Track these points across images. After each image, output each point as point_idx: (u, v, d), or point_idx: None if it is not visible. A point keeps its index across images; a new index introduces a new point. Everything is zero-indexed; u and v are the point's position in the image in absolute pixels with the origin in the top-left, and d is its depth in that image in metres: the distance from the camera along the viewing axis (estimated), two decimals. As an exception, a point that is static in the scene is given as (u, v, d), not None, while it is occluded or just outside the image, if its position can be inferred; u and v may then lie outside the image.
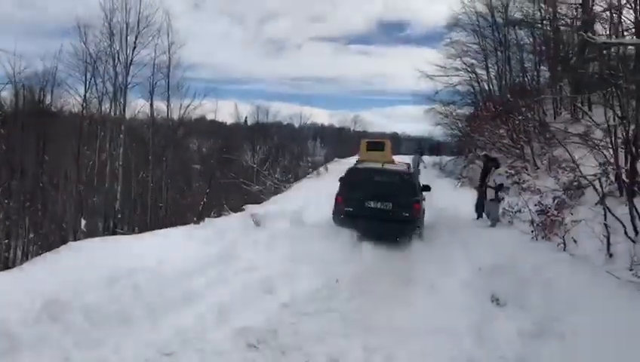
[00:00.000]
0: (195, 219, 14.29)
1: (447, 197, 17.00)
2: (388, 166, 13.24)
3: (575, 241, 9.61)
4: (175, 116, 31.92)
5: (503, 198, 12.71)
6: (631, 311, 5.87)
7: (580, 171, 12.30)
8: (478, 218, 13.51)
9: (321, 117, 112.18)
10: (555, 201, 13.58)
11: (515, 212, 12.69)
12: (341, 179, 12.33)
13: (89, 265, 6.78)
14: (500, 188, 12.50)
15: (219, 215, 15.93)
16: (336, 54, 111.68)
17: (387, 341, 5.60)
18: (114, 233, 20.30)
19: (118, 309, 5.75)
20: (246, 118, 57.62)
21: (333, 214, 11.62)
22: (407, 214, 10.98)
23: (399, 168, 13.17)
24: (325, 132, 76.43)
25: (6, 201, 22.92)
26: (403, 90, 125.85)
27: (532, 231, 10.46)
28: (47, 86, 29.35)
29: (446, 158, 31.92)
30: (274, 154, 41.36)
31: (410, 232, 11.06)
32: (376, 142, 25.61)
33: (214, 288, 7.16)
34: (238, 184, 30.94)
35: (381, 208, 11.08)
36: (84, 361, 4.76)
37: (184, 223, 13.06)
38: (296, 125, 62.24)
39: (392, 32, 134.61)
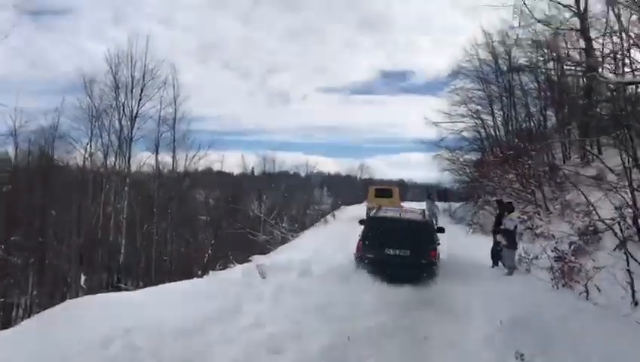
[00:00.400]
0: (199, 272, 13.79)
1: (461, 245, 16.39)
2: (405, 214, 13.48)
3: (599, 289, 9.03)
4: (181, 168, 31.94)
5: (517, 244, 12.15)
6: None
7: (598, 214, 11.82)
8: (493, 266, 12.93)
9: (328, 165, 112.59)
10: (572, 247, 13.06)
11: (532, 259, 12.14)
12: (362, 223, 12.90)
13: (83, 326, 6.31)
14: (509, 233, 11.97)
15: (224, 267, 15.44)
16: (341, 104, 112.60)
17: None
18: (117, 288, 19.65)
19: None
20: (252, 168, 57.57)
21: (355, 259, 11.99)
22: (425, 261, 11.39)
23: (416, 217, 13.30)
24: (332, 180, 76.19)
25: (9, 256, 22.47)
26: (408, 138, 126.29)
27: (552, 279, 9.90)
28: (52, 140, 29.31)
29: (455, 205, 31.35)
30: (280, 204, 40.86)
31: (428, 277, 11.25)
32: (384, 189, 26.45)
33: (216, 348, 6.64)
34: (245, 234, 30.43)
35: (400, 255, 11.46)
36: None
37: (189, 276, 12.60)
38: (303, 174, 62.17)
39: (396, 82, 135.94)
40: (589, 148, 20.73)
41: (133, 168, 29.08)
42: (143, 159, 30.93)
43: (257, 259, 13.06)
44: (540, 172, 19.15)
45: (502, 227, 12.24)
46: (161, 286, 9.74)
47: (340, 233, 20.33)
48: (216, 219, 32.55)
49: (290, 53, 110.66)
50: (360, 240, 12.10)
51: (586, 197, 12.41)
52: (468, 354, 6.69)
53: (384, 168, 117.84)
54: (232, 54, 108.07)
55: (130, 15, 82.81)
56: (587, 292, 9.10)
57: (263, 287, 10.04)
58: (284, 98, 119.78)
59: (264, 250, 22.33)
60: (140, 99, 28.65)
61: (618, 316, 7.98)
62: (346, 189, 60.98)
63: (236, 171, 58.25)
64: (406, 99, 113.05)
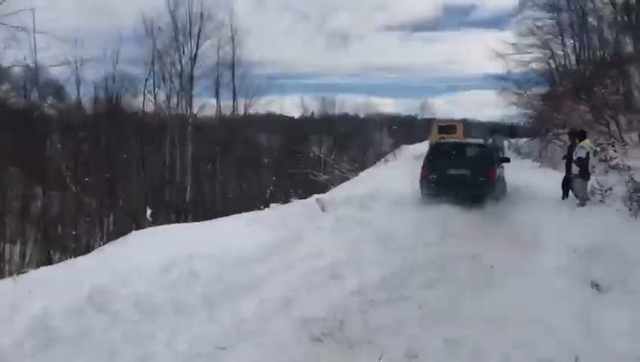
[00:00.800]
0: (262, 206, 13.80)
1: (528, 178, 15.62)
2: (467, 140, 15.72)
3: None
4: (241, 110, 31.93)
5: (590, 174, 11.33)
6: None
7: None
8: (564, 197, 12.20)
9: (388, 106, 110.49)
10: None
11: (606, 190, 11.38)
12: (427, 153, 13.68)
13: (146, 253, 6.37)
14: (582, 162, 11.14)
15: (286, 202, 15.47)
16: (402, 43, 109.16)
17: (474, 332, 4.75)
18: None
19: (172, 298, 5.23)
20: (312, 111, 56.93)
21: (419, 182, 12.75)
22: (483, 178, 12.09)
23: (476, 141, 14.95)
24: (392, 121, 74.75)
25: (85, 197, 23.53)
26: (472, 76, 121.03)
27: (629, 209, 9.20)
28: (117, 84, 29.82)
29: (522, 140, 30.07)
30: (340, 145, 40.58)
31: (487, 194, 11.95)
32: (448, 126, 26.31)
33: (277, 275, 6.56)
34: (307, 175, 30.49)
35: (461, 174, 12.24)
36: (131, 356, 4.21)
37: (251, 210, 12.62)
38: (362, 116, 61.19)
39: (459, 17, 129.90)
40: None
41: (195, 110, 29.25)
42: (204, 102, 31.06)
43: (322, 195, 12.92)
44: (615, 101, 17.77)
45: (574, 156, 11.44)
46: (224, 218, 9.78)
47: (399, 170, 19.93)
48: (277, 160, 32.63)
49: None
50: (425, 163, 12.90)
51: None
52: (540, 280, 6.27)
53: (447, 107, 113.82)
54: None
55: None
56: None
57: (322, 220, 9.92)
58: (344, 38, 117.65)
59: (325, 190, 22.32)
60: (199, 39, 28.54)
61: None
62: (407, 130, 59.64)
63: (297, 115, 57.89)
64: (470, 34, 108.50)
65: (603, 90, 17.76)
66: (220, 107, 30.89)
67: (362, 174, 22.40)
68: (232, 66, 31.05)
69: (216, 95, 30.86)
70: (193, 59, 27.62)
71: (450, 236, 8.88)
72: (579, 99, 20.71)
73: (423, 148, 26.81)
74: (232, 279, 5.99)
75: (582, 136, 11.72)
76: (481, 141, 15.03)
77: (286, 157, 38.77)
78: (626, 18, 24.20)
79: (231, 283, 5.87)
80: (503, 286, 6.14)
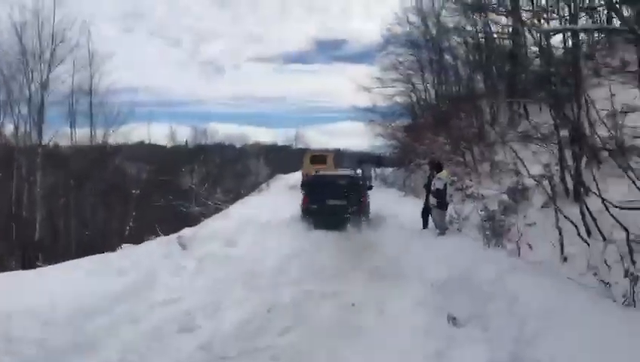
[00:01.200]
0: (120, 246, 12.68)
1: (392, 209, 15.97)
2: (340, 171, 17.65)
3: (530, 246, 8.72)
4: (109, 140, 29.60)
5: (447, 204, 11.74)
6: (606, 328, 4.90)
7: (527, 171, 11.60)
8: (424, 227, 12.51)
9: (264, 136, 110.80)
10: (501, 206, 12.87)
11: (463, 219, 11.82)
12: (305, 185, 15.86)
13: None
14: (439, 193, 11.53)
15: (145, 240, 14.43)
16: (276, 73, 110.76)
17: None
18: (32, 267, 18.03)
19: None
20: (187, 140, 55.17)
21: (302, 210, 14.13)
22: (357, 207, 13.83)
23: (348, 173, 17.10)
24: (268, 150, 74.82)
25: None
26: (343, 107, 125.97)
27: (483, 238, 9.52)
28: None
29: (388, 170, 31.24)
30: (214, 175, 39.36)
31: (361, 221, 13.50)
32: (319, 156, 27.58)
33: (119, 330, 5.78)
34: (177, 207, 29.19)
35: (339, 203, 13.70)
36: None
37: (111, 250, 11.51)
38: (238, 145, 60.40)
39: (330, 51, 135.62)
40: (515, 108, 20.77)
41: (47, 138, 26.50)
42: (56, 131, 27.97)
43: (185, 231, 12.04)
44: (470, 134, 18.94)
45: (432, 187, 11.79)
46: (65, 263, 8.62)
47: (272, 201, 19.63)
48: (143, 192, 30.37)
49: (222, 21, 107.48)
50: (305, 195, 14.47)
51: (516, 154, 12.18)
52: (399, 318, 6.11)
53: (320, 137, 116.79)
54: (159, 22, 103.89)
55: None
56: (519, 249, 8.77)
57: (182, 259, 9.16)
58: (217, 68, 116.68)
59: (197, 222, 21.38)
60: (50, 64, 25.70)
61: (549, 272, 7.67)
62: (282, 159, 59.87)
63: (169, 143, 55.70)
64: (340, 67, 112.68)
65: (459, 124, 18.83)
66: (74, 136, 28.56)
67: (235, 205, 21.72)
68: (90, 92, 28.63)
69: (71, 123, 28.42)
70: (44, 85, 24.83)
71: (316, 271, 8.61)
72: (438, 131, 21.77)
73: (297, 177, 26.95)
74: (60, 341, 5.13)
75: (439, 167, 12.13)
76: (354, 173, 17.54)
77: (156, 189, 36.91)
78: (477, 57, 26.06)
79: (57, 347, 5.01)
80: (361, 328, 5.87)
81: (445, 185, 11.60)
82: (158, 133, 53.84)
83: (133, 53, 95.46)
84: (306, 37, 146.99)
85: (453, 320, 6.11)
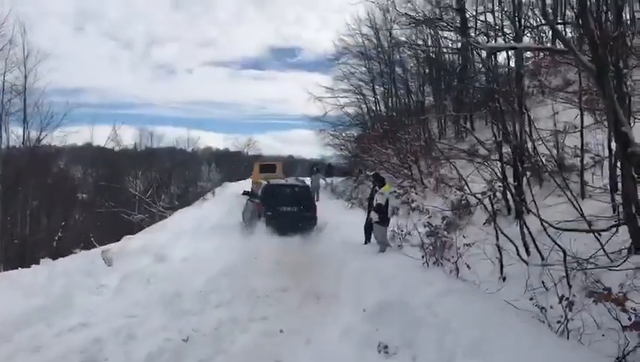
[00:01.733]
0: (44, 257, 11.86)
1: (338, 221, 15.65)
2: (291, 182, 19.07)
3: (468, 267, 8.50)
4: (52, 142, 27.64)
5: (389, 220, 11.44)
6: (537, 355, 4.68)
7: (469, 188, 11.47)
8: (366, 242, 12.19)
9: (216, 141, 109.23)
10: (445, 221, 12.73)
11: (405, 234, 11.58)
12: (246, 194, 17.94)
13: None
14: (381, 208, 11.25)
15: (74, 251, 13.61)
16: (230, 79, 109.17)
17: None
18: None
19: None
20: (135, 143, 53.47)
21: (258, 215, 15.09)
22: (308, 213, 15.37)
23: (299, 183, 18.45)
24: (220, 156, 73.61)
25: None
26: (296, 115, 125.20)
27: (422, 257, 9.25)
28: None
29: (338, 179, 30.98)
30: (160, 181, 38.08)
31: (311, 225, 15.15)
32: (269, 165, 28.21)
33: (15, 360, 5.14)
34: (120, 214, 28.09)
35: (291, 210, 15.16)
36: None
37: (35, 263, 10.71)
38: (190, 150, 58.84)
39: (284, 58, 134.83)
40: (462, 123, 20.89)
41: None
42: None
43: (112, 245, 11.34)
44: (417, 147, 18.86)
45: (374, 202, 11.50)
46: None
47: (215, 210, 19.00)
48: (88, 197, 28.82)
49: (176, 24, 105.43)
50: (260, 201, 15.40)
51: (457, 171, 12.05)
52: (325, 349, 5.71)
53: (273, 144, 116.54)
54: (112, 24, 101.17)
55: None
56: (457, 269, 8.53)
57: (105, 277, 8.55)
58: (169, 71, 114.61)
59: (140, 229, 20.63)
60: None
61: (487, 295, 7.45)
62: (234, 165, 58.94)
63: (115, 146, 53.80)
64: (294, 75, 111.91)
65: (406, 137, 18.75)
66: (6, 138, 25.23)
67: (176, 214, 20.96)
68: (24, 92, 25.66)
69: (0, 123, 24.99)
70: None
71: (247, 292, 8.13)
72: (386, 143, 21.66)
73: (245, 185, 26.32)
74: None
75: (381, 182, 11.85)
76: (302, 183, 18.79)
77: (99, 194, 35.49)
78: (426, 70, 26.23)
79: None
80: (287, 357, 5.45)
81: (387, 200, 11.31)
82: (105, 136, 51.55)
83: (83, 53, 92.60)
84: (261, 43, 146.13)
85: (384, 348, 5.78)
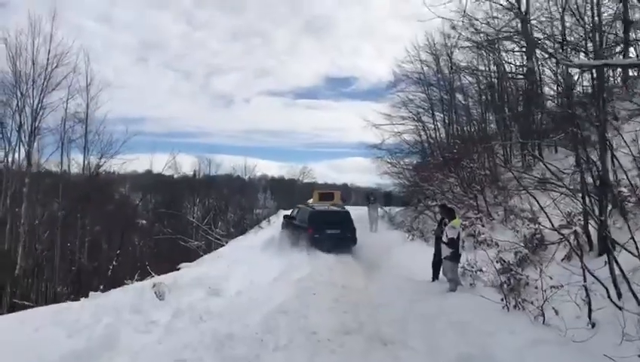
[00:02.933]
0: (101, 287, 11.51)
1: (399, 254, 14.73)
2: (333, 208, 20.82)
3: (556, 312, 7.39)
4: (111, 169, 27.93)
5: (460, 255, 10.41)
6: None
7: (550, 221, 10.33)
8: (434, 279, 11.19)
9: (272, 169, 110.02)
10: (518, 257, 11.59)
11: (476, 271, 10.54)
12: (309, 218, 18.11)
13: None
14: (452, 243, 10.24)
15: (142, 279, 13.20)
16: (285, 108, 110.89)
17: None
18: (12, 306, 16.49)
19: None
20: (195, 171, 54.17)
21: (307, 238, 17.04)
22: (349, 235, 17.62)
23: (339, 209, 20.65)
24: (276, 184, 73.90)
25: None
26: (351, 143, 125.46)
27: (502, 299, 8.19)
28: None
29: (395, 209, 29.88)
30: (217, 208, 37.99)
31: (352, 245, 17.46)
32: (327, 193, 30.54)
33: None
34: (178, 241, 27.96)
35: (335, 233, 17.22)
36: None
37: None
38: (246, 178, 59.20)
39: (339, 87, 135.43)
40: (529, 150, 19.55)
41: (37, 166, 24.30)
42: (49, 157, 25.61)
43: (164, 277, 10.78)
44: (482, 176, 17.66)
45: (443, 237, 10.48)
46: (19, 313, 7.38)
47: (270, 240, 18.39)
48: (146, 226, 28.74)
49: (234, 56, 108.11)
50: (309, 226, 17.41)
51: (537, 202, 10.91)
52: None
53: (327, 172, 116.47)
54: (173, 55, 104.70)
55: (66, 10, 77.23)
56: (543, 315, 7.46)
57: (155, 312, 7.92)
58: (228, 100, 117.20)
59: (197, 256, 20.35)
60: (43, 90, 23.58)
61: (579, 346, 6.39)
62: (289, 193, 58.79)
63: (175, 174, 54.60)
64: (349, 104, 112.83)
65: (471, 165, 17.64)
66: (64, 160, 26.02)
67: (232, 242, 20.52)
68: (86, 120, 26.59)
69: (61, 147, 25.86)
70: (36, 110, 23.05)
71: (307, 334, 7.30)
72: (448, 172, 20.60)
73: (300, 214, 25.72)
74: None
75: (451, 214, 10.86)
76: (341, 209, 20.81)
77: (159, 220, 35.81)
78: (489, 96, 25.06)
79: None
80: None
81: (459, 234, 10.33)
82: (164, 164, 52.21)
83: (145, 83, 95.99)
84: (317, 73, 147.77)
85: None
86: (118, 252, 21.90)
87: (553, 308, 7.44)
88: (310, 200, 28.78)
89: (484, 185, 17.66)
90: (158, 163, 52.75)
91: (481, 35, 23.98)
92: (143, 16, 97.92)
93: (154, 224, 34.85)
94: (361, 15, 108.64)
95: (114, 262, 20.24)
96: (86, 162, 25.86)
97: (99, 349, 6.05)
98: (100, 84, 27.33)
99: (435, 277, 11.16)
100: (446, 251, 10.19)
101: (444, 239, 10.28)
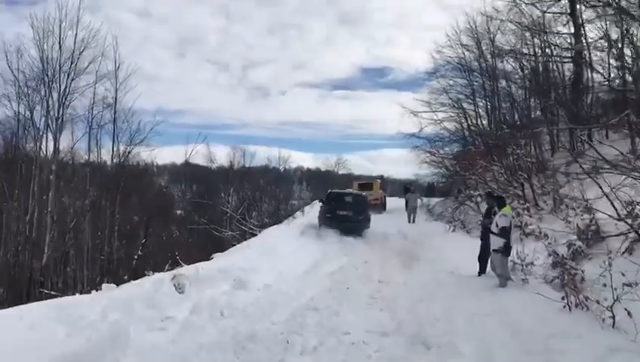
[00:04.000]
0: (125, 277, 10.88)
1: (440, 246, 13.69)
2: (349, 190, 22.79)
3: (630, 314, 6.26)
4: (142, 157, 27.28)
5: (510, 248, 9.26)
6: None
7: (617, 211, 9.14)
8: (480, 273, 10.11)
9: (307, 161, 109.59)
10: (571, 249, 10.43)
11: (527, 264, 9.42)
12: (326, 197, 19.35)
13: None
14: (504, 232, 9.11)
15: (172, 268, 12.58)
16: (321, 99, 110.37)
17: None
18: (39, 295, 16.06)
19: None
20: (231, 162, 53.71)
21: (318, 218, 18.60)
22: (362, 217, 18.02)
23: (356, 192, 21.96)
24: (311, 175, 73.32)
25: None
26: (387, 134, 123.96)
27: (563, 298, 7.09)
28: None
29: (434, 200, 28.63)
30: (251, 199, 37.40)
31: (364, 228, 17.95)
32: (367, 184, 31.44)
33: None
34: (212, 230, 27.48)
35: (347, 214, 17.79)
36: None
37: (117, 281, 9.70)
38: (282, 169, 58.65)
39: (375, 78, 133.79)
40: (580, 136, 18.12)
41: (65, 154, 23.91)
42: (78, 144, 24.86)
43: (186, 268, 9.95)
44: (529, 163, 16.30)
45: (492, 226, 9.35)
46: (23, 306, 6.65)
47: (304, 232, 17.53)
48: (148, 215, 27.22)
49: (270, 48, 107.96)
50: (323, 206, 18.82)
51: (600, 188, 9.74)
52: None
53: (363, 163, 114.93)
54: (211, 48, 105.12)
55: (105, 4, 77.95)
56: (613, 317, 6.34)
57: (173, 307, 7.10)
58: (264, 92, 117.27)
59: (230, 246, 19.72)
60: (70, 74, 22.67)
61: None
62: (324, 184, 58.02)
63: (212, 165, 54.27)
64: (385, 95, 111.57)
65: (518, 152, 16.32)
66: (91, 148, 25.14)
67: (263, 232, 19.74)
68: (114, 105, 25.28)
69: (89, 135, 25.01)
70: (62, 95, 22.33)
71: (337, 334, 6.38)
72: (491, 160, 19.34)
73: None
74: None
75: (501, 201, 9.70)
76: (358, 192, 21.97)
77: (194, 211, 35.48)
78: (534, 81, 23.61)
79: None
80: None
81: (510, 223, 9.21)
82: (201, 155, 52.05)
83: (185, 77, 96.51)
84: (352, 64, 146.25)
85: None
86: (144, 241, 21.27)
87: (625, 309, 6.33)
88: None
89: (531, 172, 16.32)
90: (196, 154, 52.48)
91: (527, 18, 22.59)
92: (180, 10, 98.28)
93: (190, 214, 34.47)
94: (396, 4, 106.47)
95: (139, 252, 19.60)
96: (115, 149, 24.81)
97: (100, 349, 5.25)
98: (128, 69, 25.93)
99: (482, 271, 10.08)
100: (496, 243, 9.07)
101: (494, 229, 9.16)
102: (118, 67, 25.43)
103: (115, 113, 24.97)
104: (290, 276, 9.84)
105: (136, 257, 19.25)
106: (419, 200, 24.69)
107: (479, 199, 18.88)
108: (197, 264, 9.90)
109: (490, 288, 8.77)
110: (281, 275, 9.77)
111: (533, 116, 23.55)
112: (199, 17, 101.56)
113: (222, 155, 54.68)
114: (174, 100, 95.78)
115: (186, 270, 8.84)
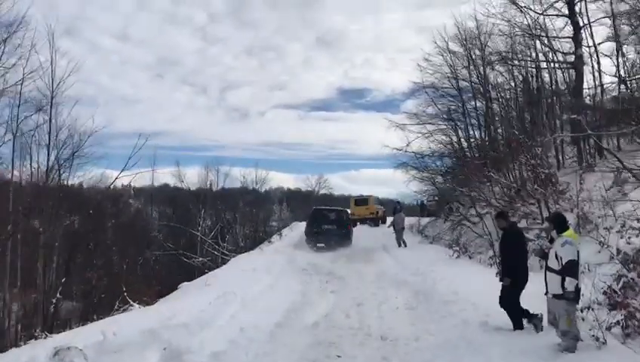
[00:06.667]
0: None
1: (448, 278, 10.62)
2: (333, 207, 23.43)
3: None
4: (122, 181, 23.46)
5: (579, 291, 5.94)
6: None
7: None
8: (515, 328, 6.82)
9: (287, 181, 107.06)
10: (622, 282, 7.50)
11: (583, 309, 6.45)
12: (310, 215, 21.20)
13: None
14: (571, 268, 5.78)
15: (124, 310, 9.40)
16: (299, 120, 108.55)
17: None
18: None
19: None
20: (210, 183, 50.06)
21: (305, 233, 20.26)
22: (344, 231, 20.04)
23: (337, 208, 23.26)
24: (291, 195, 70.76)
25: None
26: (366, 155, 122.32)
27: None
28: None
29: (424, 220, 25.55)
30: (224, 221, 34.09)
31: (347, 239, 19.71)
32: (362, 199, 33.64)
33: None
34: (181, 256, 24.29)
35: (331, 228, 19.68)
36: None
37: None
38: (262, 190, 55.63)
39: (353, 99, 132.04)
40: (599, 143, 15.48)
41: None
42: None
43: (185, 288, 6.73)
44: (545, 175, 13.26)
45: (550, 260, 6.07)
46: None
47: (278, 260, 14.41)
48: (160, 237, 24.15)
49: (248, 70, 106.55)
50: (309, 221, 20.37)
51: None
52: None
53: (344, 184, 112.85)
54: (189, 70, 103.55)
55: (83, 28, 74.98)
56: None
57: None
58: (243, 114, 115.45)
59: (201, 273, 17.81)
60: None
61: None
62: (305, 204, 55.34)
63: (191, 187, 50.31)
64: (363, 115, 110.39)
65: (532, 162, 13.33)
66: (15, 167, 18.38)
67: (230, 262, 16.59)
68: (50, 107, 18.61)
69: (13, 144, 17.87)
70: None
71: None
72: (495, 172, 16.60)
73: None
74: None
75: (561, 222, 6.30)
76: (340, 208, 23.09)
77: (169, 236, 31.97)
78: (530, 89, 21.26)
79: None
80: None
81: (578, 254, 6.06)
82: (176, 177, 48.19)
83: (162, 98, 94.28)
84: (330, 85, 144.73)
85: None
86: (63, 280, 15.29)
87: None
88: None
89: (547, 186, 13.27)
90: (172, 176, 48.81)
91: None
92: (159, 33, 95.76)
93: (168, 238, 30.95)
94: (373, 27, 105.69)
95: (58, 295, 14.36)
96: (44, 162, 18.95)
97: None
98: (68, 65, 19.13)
99: (518, 324, 6.88)
100: (558, 284, 5.86)
101: (552, 264, 6.01)
102: (54, 62, 18.48)
103: (50, 123, 18.67)
104: (255, 333, 6.66)
105: (54, 301, 14.16)
106: (404, 222, 21.09)
107: (477, 219, 16.14)
108: (115, 318, 6.67)
109: (551, 354, 5.67)
110: (242, 333, 6.60)
111: (533, 125, 20.88)
112: (177, 40, 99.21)
113: (197, 176, 50.98)
114: (151, 122, 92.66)
115: (86, 336, 5.61)
